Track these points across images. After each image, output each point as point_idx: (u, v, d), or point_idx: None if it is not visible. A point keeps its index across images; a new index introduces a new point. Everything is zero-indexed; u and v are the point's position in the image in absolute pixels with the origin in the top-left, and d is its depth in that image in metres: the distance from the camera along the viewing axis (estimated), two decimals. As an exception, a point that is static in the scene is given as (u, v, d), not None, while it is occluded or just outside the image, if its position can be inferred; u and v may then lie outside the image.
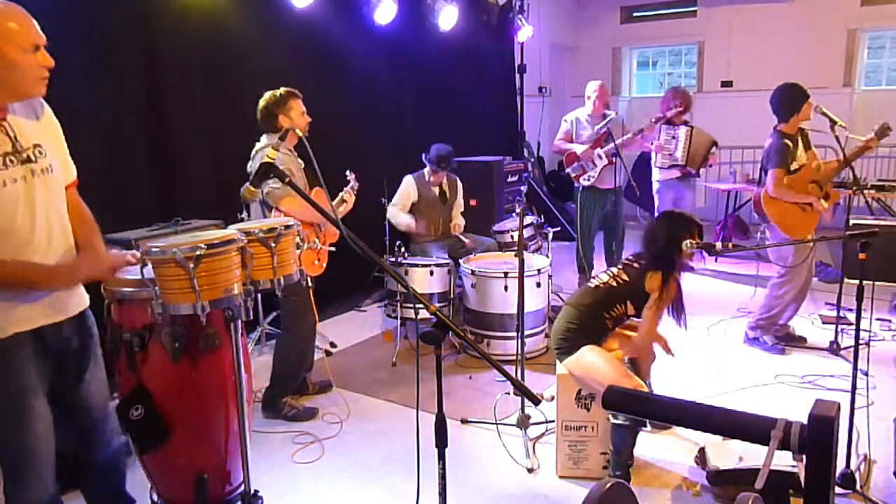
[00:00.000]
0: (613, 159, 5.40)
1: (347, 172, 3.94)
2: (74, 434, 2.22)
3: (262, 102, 3.49)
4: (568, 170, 5.62)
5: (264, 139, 3.48)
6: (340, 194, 3.88)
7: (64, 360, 2.07)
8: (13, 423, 1.95)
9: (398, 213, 4.89)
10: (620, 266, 3.05)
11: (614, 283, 2.96)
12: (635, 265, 2.98)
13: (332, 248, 3.74)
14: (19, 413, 1.95)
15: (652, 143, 5.95)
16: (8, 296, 1.90)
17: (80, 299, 2.10)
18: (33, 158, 1.94)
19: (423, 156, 4.97)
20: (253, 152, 3.46)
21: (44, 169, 1.96)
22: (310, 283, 3.48)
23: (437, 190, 5.00)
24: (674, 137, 5.93)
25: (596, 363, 2.79)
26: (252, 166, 3.43)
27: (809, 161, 4.14)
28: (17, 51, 1.82)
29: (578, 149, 5.48)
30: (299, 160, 3.51)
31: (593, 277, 3.13)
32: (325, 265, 3.70)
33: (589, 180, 5.48)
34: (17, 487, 2.01)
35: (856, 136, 4.09)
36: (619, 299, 2.92)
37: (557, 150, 5.73)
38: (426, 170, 4.98)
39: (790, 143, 4.08)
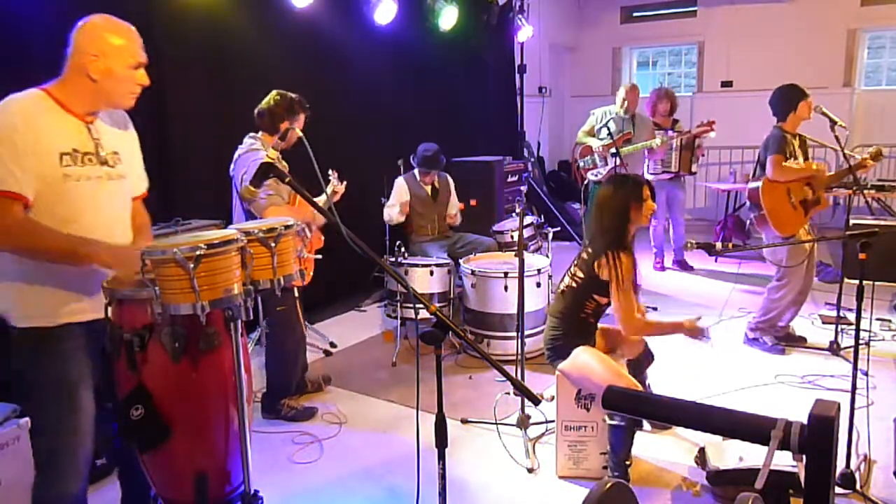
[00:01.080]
0: (613, 159, 5.41)
1: (330, 171, 3.92)
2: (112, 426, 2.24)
3: (270, 102, 3.46)
4: (580, 162, 5.64)
5: (247, 141, 3.43)
6: (330, 186, 3.86)
7: None
8: (59, 414, 2.01)
9: (390, 210, 4.89)
10: (575, 262, 3.05)
11: (574, 284, 2.97)
12: (584, 256, 2.97)
13: (319, 256, 3.72)
14: (66, 405, 2.01)
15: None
16: (63, 286, 1.99)
17: None
18: (111, 163, 2.08)
19: (412, 157, 4.96)
20: (236, 155, 3.41)
21: (119, 175, 2.11)
22: (296, 294, 3.47)
23: (428, 189, 5.00)
24: (669, 147, 5.97)
25: (590, 364, 2.80)
26: (234, 169, 3.38)
27: (807, 166, 4.17)
28: (121, 66, 1.98)
29: (594, 143, 5.50)
30: (283, 163, 3.50)
31: (560, 282, 3.12)
32: (311, 274, 3.69)
33: (597, 176, 5.52)
34: (53, 480, 2.04)
35: (851, 153, 4.13)
36: (586, 296, 2.92)
37: (578, 142, 5.78)
38: (416, 170, 4.98)
39: (788, 137, 4.10)
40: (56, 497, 2.05)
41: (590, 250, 2.95)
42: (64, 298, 2.00)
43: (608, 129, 5.38)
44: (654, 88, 6.25)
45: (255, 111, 3.50)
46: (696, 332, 2.96)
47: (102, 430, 2.16)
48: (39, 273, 1.96)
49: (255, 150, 3.34)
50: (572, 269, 3.04)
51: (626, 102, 5.56)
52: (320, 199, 3.48)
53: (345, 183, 3.89)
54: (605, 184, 3.05)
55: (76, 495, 2.07)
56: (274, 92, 3.51)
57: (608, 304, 2.93)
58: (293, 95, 3.50)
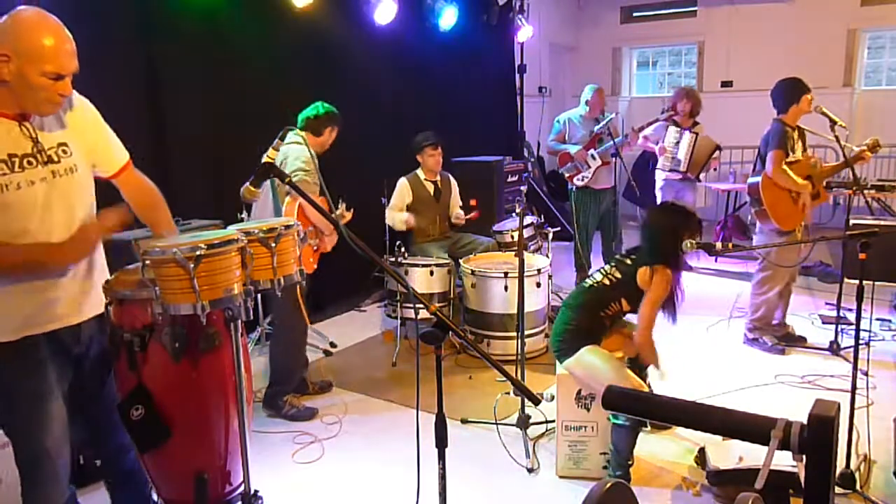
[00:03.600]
0: (613, 159, 5.40)
1: (340, 200, 3.93)
2: (88, 437, 2.24)
3: (321, 110, 3.69)
4: (562, 170, 5.64)
5: (293, 137, 3.49)
6: (337, 212, 3.88)
7: (84, 365, 2.09)
8: (31, 425, 1.96)
9: (394, 213, 4.89)
10: (613, 263, 3.05)
11: (607, 282, 2.96)
12: (627, 261, 2.97)
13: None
14: (37, 416, 1.95)
15: (657, 145, 5.97)
16: (22, 300, 1.89)
17: (96, 302, 2.10)
18: (56, 159, 1.93)
19: (415, 147, 4.91)
20: (288, 153, 3.50)
21: (67, 169, 1.96)
22: (302, 282, 3.48)
23: (431, 188, 4.98)
24: (678, 143, 5.94)
25: (596, 364, 2.79)
26: (284, 161, 3.48)
27: (806, 159, 4.17)
28: (34, 72, 1.77)
29: (572, 149, 5.49)
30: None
31: (588, 277, 3.13)
32: (316, 265, 3.71)
33: (583, 180, 5.49)
34: (35, 489, 2.01)
35: (849, 145, 4.13)
36: (614, 297, 2.92)
37: (551, 151, 5.75)
38: (419, 169, 4.97)
39: (788, 131, 4.10)
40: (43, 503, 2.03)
41: (634, 257, 2.96)
42: (21, 310, 1.90)
43: (609, 129, 5.36)
44: (680, 88, 6.20)
45: (302, 115, 3.70)
46: (660, 375, 3.06)
47: (76, 436, 2.13)
48: None
49: (296, 143, 3.46)
50: (608, 268, 3.03)
51: (590, 105, 5.53)
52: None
53: (352, 210, 3.90)
54: (662, 207, 3.12)
55: (62, 501, 2.06)
56: (323, 104, 3.73)
57: (630, 311, 2.94)
58: (336, 111, 3.76)
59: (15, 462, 2.01)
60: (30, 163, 1.87)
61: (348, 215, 3.89)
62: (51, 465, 1.99)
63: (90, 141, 2.07)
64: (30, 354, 1.93)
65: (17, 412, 1.96)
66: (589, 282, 3.04)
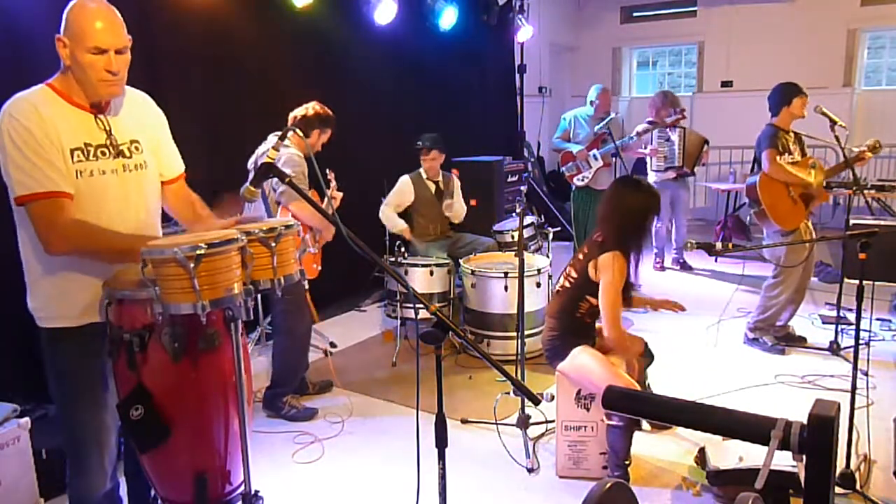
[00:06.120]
0: (613, 159, 5.41)
1: (327, 171, 3.93)
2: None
3: (310, 110, 3.61)
4: (563, 169, 5.65)
5: (272, 139, 3.49)
6: (328, 192, 3.87)
7: None
8: (83, 410, 2.04)
9: (392, 214, 4.86)
10: (570, 262, 3.05)
11: (568, 283, 2.97)
12: (579, 256, 2.97)
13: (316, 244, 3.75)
14: (90, 402, 2.03)
15: (646, 148, 5.99)
16: (86, 287, 1.98)
17: None
18: (127, 154, 2.03)
19: (418, 146, 4.89)
20: (260, 150, 3.48)
21: (137, 165, 2.07)
22: (306, 284, 3.50)
23: (433, 187, 4.96)
24: (668, 140, 5.97)
25: (588, 364, 2.80)
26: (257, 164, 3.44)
27: (804, 161, 4.17)
28: (81, 50, 1.87)
29: (574, 148, 5.49)
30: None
31: (557, 282, 3.12)
32: (319, 269, 3.72)
33: (583, 181, 5.50)
34: (79, 474, 2.08)
35: (849, 147, 4.14)
36: (579, 296, 2.92)
37: (555, 149, 5.77)
38: (422, 168, 4.96)
39: (780, 133, 4.11)
40: (85, 491, 2.09)
41: (585, 251, 2.94)
42: (86, 298, 1.99)
43: (609, 131, 5.37)
44: (659, 92, 6.25)
45: (291, 115, 3.62)
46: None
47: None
48: (63, 273, 1.96)
49: (284, 146, 3.39)
50: (567, 268, 3.04)
51: (596, 105, 5.54)
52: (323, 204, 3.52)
53: (341, 194, 3.89)
54: (625, 185, 2.99)
55: (106, 490, 2.12)
56: (313, 104, 3.65)
57: (597, 306, 2.92)
58: (329, 111, 3.68)
59: (63, 447, 2.10)
60: (103, 153, 1.97)
61: (339, 195, 3.88)
62: (95, 454, 2.06)
63: (155, 142, 2.17)
64: (88, 342, 2.01)
65: (68, 398, 2.04)
66: (557, 286, 3.05)
